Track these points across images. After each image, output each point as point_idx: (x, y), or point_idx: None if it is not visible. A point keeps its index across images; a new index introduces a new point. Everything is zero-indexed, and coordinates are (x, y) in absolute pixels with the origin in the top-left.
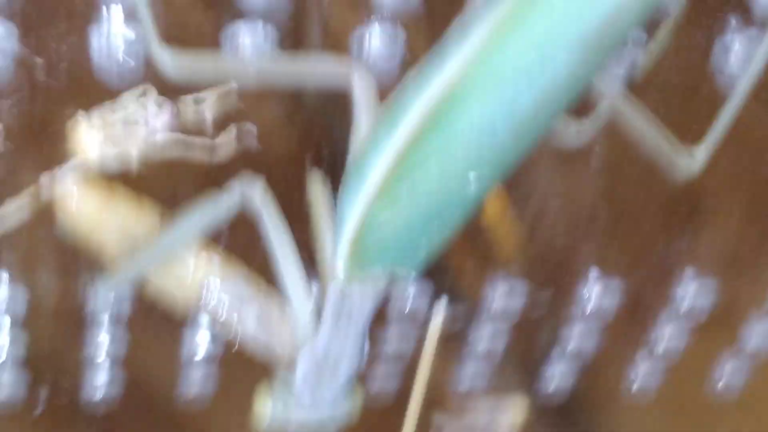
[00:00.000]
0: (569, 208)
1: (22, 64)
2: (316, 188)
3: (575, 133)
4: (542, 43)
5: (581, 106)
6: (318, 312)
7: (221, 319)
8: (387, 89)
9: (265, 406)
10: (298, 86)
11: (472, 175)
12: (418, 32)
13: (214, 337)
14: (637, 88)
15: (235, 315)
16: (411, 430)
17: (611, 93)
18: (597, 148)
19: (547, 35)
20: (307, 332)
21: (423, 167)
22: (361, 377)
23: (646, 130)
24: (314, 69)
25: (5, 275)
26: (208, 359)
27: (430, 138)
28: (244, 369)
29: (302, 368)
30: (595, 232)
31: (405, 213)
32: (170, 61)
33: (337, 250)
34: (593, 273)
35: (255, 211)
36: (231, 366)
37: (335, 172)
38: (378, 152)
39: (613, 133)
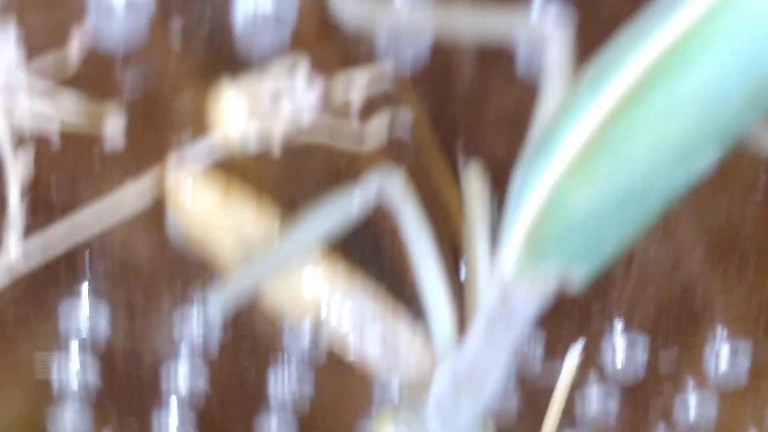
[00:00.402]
0: (702, 254)
1: (160, 26)
2: (472, 181)
3: None
4: None
5: None
6: (459, 323)
7: (342, 338)
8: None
9: None
10: (478, 38)
11: (691, 153)
12: None
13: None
14: None
15: (358, 334)
16: None
17: None
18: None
19: None
20: (448, 345)
21: (631, 140)
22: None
23: None
24: (498, 21)
25: (87, 288)
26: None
27: (645, 103)
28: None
29: (439, 387)
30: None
31: (601, 195)
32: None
33: (503, 242)
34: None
35: (393, 206)
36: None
37: (492, 167)
38: (575, 120)
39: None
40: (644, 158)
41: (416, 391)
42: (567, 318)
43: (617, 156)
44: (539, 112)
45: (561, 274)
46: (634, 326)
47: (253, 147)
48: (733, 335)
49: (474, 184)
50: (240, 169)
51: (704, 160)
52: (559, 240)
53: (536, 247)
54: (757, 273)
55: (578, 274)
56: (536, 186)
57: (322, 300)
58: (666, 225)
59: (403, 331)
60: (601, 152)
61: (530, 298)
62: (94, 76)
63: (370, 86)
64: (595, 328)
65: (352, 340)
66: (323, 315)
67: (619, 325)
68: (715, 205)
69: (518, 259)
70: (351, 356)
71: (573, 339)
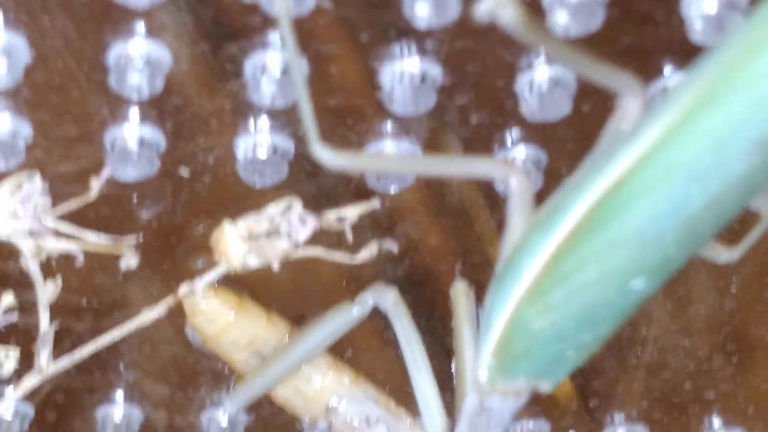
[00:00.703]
0: (695, 347)
1: (168, 174)
2: (460, 298)
3: (725, 252)
4: (719, 145)
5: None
6: (452, 427)
7: None
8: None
9: None
10: (451, 180)
11: (634, 281)
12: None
13: None
14: None
15: None
16: None
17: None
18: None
19: (725, 137)
20: None
21: (581, 271)
22: None
23: None
24: (472, 167)
25: (121, 395)
26: None
27: (591, 240)
28: None
29: None
30: (719, 375)
31: (558, 320)
32: (330, 157)
33: (479, 355)
34: (715, 421)
35: (389, 319)
36: None
37: (479, 284)
38: (532, 255)
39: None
40: (594, 286)
41: None
42: (567, 411)
43: (570, 285)
44: (504, 243)
45: (529, 386)
46: (633, 417)
47: (252, 277)
48: (727, 424)
49: (461, 299)
50: (250, 285)
51: (647, 286)
52: (524, 358)
53: (505, 363)
54: (749, 364)
55: (544, 386)
56: (502, 311)
57: (329, 402)
58: (656, 319)
59: (405, 429)
60: (556, 282)
61: (504, 406)
62: (112, 216)
63: (360, 218)
64: (596, 420)
65: None
66: (331, 417)
67: (618, 417)
68: (704, 297)
69: (490, 373)
70: None
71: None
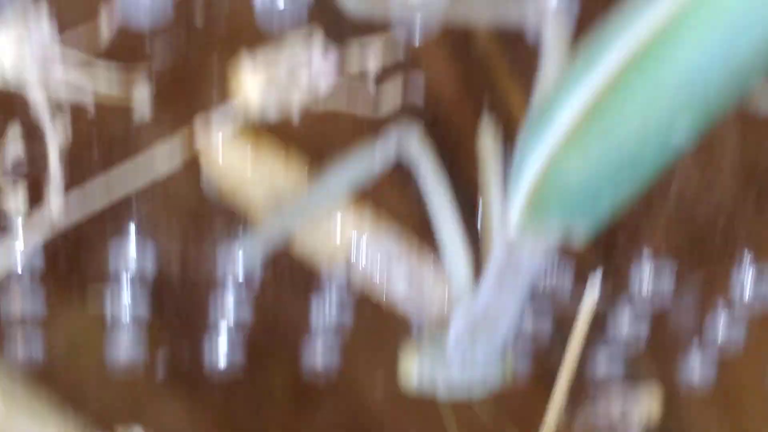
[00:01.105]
0: (729, 181)
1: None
2: (487, 137)
3: None
4: None
5: None
6: (475, 268)
7: (370, 278)
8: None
9: (413, 367)
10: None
11: (675, 131)
12: None
13: (343, 306)
14: None
15: (385, 274)
16: (556, 414)
17: None
18: None
19: None
20: (464, 289)
21: (621, 113)
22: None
23: None
24: (504, 4)
25: (134, 229)
26: (338, 327)
27: (633, 80)
28: (372, 336)
29: (457, 327)
30: (754, 209)
31: (595, 162)
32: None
33: (510, 200)
34: (746, 256)
35: (412, 159)
36: (361, 334)
37: (506, 124)
38: (570, 95)
39: None
40: (633, 131)
41: (439, 328)
42: (594, 246)
43: (609, 129)
44: (539, 83)
45: (562, 232)
46: (662, 253)
47: (272, 116)
48: (758, 261)
49: (489, 141)
50: (268, 129)
51: (687, 133)
52: (558, 202)
53: (538, 208)
54: None
55: (578, 232)
56: (536, 153)
57: (350, 244)
58: (694, 153)
59: (427, 271)
60: (594, 125)
61: (535, 253)
62: (123, 49)
63: (384, 54)
64: (624, 255)
65: (379, 280)
66: (352, 258)
67: (647, 252)
68: (743, 135)
69: (522, 219)
70: (380, 295)
71: (601, 266)
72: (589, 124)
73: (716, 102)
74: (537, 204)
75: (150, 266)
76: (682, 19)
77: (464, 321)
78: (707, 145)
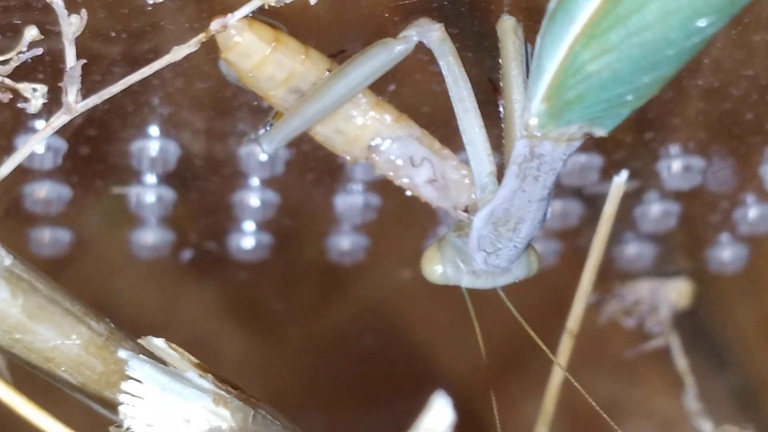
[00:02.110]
0: (758, 77)
1: None
2: (507, 34)
3: None
4: None
5: None
6: (499, 170)
7: (392, 181)
8: None
9: (435, 270)
10: None
11: (699, 19)
12: None
13: (367, 201)
14: None
15: (407, 177)
16: (582, 303)
17: None
18: None
19: None
20: (487, 192)
21: (641, 11)
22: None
23: None
24: None
25: (158, 130)
26: (359, 221)
27: None
28: (395, 232)
29: (478, 230)
30: None
31: (615, 62)
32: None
33: (530, 101)
34: None
35: (434, 51)
36: (382, 227)
37: (529, 20)
38: None
39: None
40: (655, 25)
41: (462, 227)
42: (621, 144)
43: (629, 24)
44: None
45: (583, 131)
46: (690, 149)
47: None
48: None
49: (509, 36)
50: (288, 18)
51: (713, 25)
52: (578, 102)
53: (557, 109)
54: None
55: (599, 131)
56: (554, 53)
57: (371, 141)
58: (717, 46)
59: (450, 169)
60: (613, 21)
61: (556, 153)
62: None
63: None
64: (651, 150)
65: (402, 179)
66: (373, 156)
67: (674, 149)
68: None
69: (541, 119)
70: (405, 191)
71: (628, 162)
72: (607, 18)
73: None
74: (556, 105)
75: (174, 152)
76: None
77: (485, 224)
78: (742, 31)
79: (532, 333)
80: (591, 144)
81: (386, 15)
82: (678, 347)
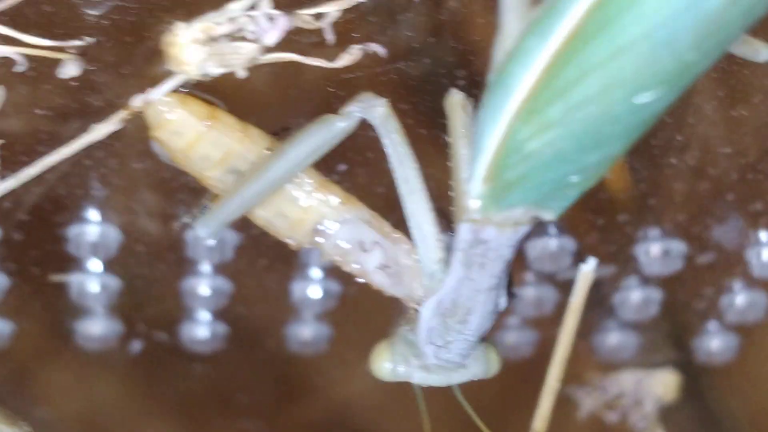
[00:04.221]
0: (738, 153)
1: None
2: (455, 111)
3: (765, 49)
4: None
5: None
6: (450, 257)
7: (341, 267)
8: None
9: (383, 366)
10: None
11: (643, 94)
12: None
13: (325, 289)
14: None
15: (356, 263)
16: (549, 401)
17: None
18: None
19: None
20: (435, 280)
21: (582, 83)
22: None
23: None
24: None
25: (95, 213)
26: (319, 310)
27: (593, 48)
28: (358, 319)
29: (426, 321)
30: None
31: (557, 139)
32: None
33: (471, 182)
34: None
35: (377, 129)
36: (344, 315)
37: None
38: (525, 64)
39: None
40: (597, 100)
41: (414, 318)
42: (596, 227)
43: (570, 99)
44: (496, 49)
45: (530, 215)
46: (669, 232)
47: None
48: None
49: (457, 112)
50: (224, 92)
51: (660, 99)
52: (520, 184)
53: (498, 193)
54: None
55: (547, 215)
56: (493, 130)
57: (316, 225)
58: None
59: (403, 254)
60: (553, 96)
61: (502, 239)
62: (55, 20)
63: (345, 14)
64: (626, 234)
65: (352, 265)
66: (319, 241)
67: (654, 232)
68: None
69: (483, 202)
70: (357, 278)
71: (605, 246)
72: (547, 92)
73: (687, 61)
74: (498, 187)
75: (115, 237)
76: None
77: (433, 316)
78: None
79: None
80: (562, 227)
81: (331, 89)
82: None
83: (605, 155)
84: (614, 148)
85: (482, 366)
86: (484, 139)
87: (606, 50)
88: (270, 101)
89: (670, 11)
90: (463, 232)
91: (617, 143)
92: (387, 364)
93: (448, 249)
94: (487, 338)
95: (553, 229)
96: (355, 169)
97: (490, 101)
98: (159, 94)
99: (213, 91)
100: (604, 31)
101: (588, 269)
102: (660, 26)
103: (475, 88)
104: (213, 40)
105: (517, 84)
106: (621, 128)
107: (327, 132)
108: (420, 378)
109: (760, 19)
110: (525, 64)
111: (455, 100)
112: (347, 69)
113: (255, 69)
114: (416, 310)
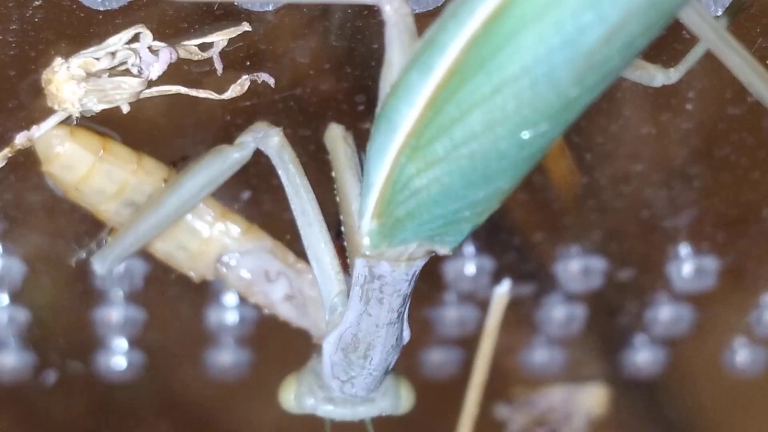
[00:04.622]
0: (649, 171)
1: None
2: (337, 145)
3: (660, 74)
4: None
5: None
6: (349, 290)
7: (247, 299)
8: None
9: (288, 398)
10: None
11: (527, 129)
12: None
13: (241, 315)
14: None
15: (261, 294)
16: (469, 426)
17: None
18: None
19: None
20: (336, 314)
21: (464, 120)
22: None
23: (750, 68)
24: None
25: None
26: (235, 336)
27: (473, 84)
28: (278, 342)
29: (329, 356)
30: (681, 200)
31: (443, 176)
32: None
33: (361, 218)
34: (684, 249)
35: (272, 160)
36: (262, 342)
37: (363, 127)
38: (409, 100)
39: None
40: (480, 137)
41: (319, 351)
42: (513, 246)
43: (453, 136)
44: (381, 84)
45: (423, 250)
46: (587, 249)
47: (100, 125)
48: (697, 252)
49: (339, 147)
50: (117, 124)
51: (546, 133)
52: (410, 220)
53: (388, 226)
54: (714, 187)
55: (442, 249)
56: (380, 166)
57: (219, 257)
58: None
59: (308, 285)
60: (436, 133)
61: (397, 274)
62: None
63: (232, 44)
64: (543, 252)
65: (258, 296)
66: (222, 273)
67: (573, 249)
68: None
69: (373, 238)
70: (263, 309)
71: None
72: (430, 129)
73: (570, 96)
74: (387, 225)
75: (18, 269)
76: (515, 3)
77: (335, 351)
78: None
79: None
80: (481, 246)
81: (227, 118)
82: None
83: (494, 190)
84: (503, 183)
85: (391, 401)
86: (372, 175)
87: (487, 87)
88: (165, 130)
89: (545, 48)
90: (358, 267)
91: (506, 178)
92: (292, 396)
93: (349, 282)
94: (397, 371)
95: (470, 250)
96: (260, 195)
97: (377, 136)
98: (41, 130)
99: (106, 122)
100: (484, 67)
101: (502, 291)
102: (538, 63)
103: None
104: (93, 75)
105: (401, 120)
106: (508, 163)
107: (222, 163)
108: (325, 411)
109: (640, 53)
110: (408, 100)
111: (335, 134)
112: (244, 96)
113: (148, 98)
114: (320, 344)
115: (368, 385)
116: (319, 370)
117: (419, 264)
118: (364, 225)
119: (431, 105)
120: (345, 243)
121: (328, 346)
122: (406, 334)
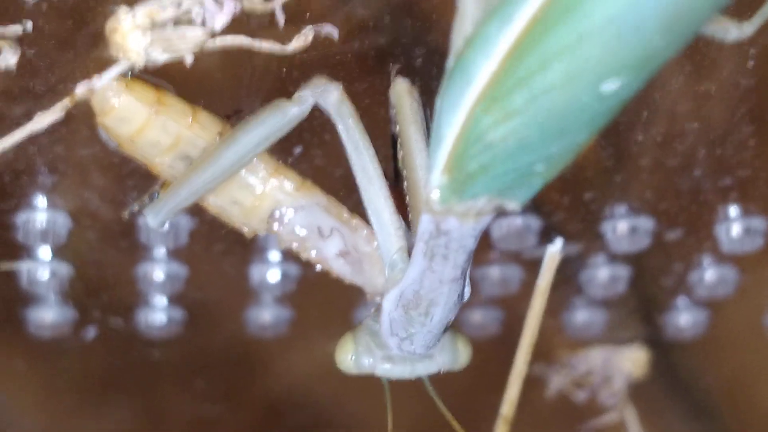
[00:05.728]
0: (705, 130)
1: None
2: (402, 99)
3: (734, 28)
4: None
5: None
6: (411, 247)
7: (299, 255)
8: None
9: (346, 358)
10: None
11: (608, 82)
12: None
13: (284, 272)
14: None
15: (315, 249)
16: (517, 385)
17: None
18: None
19: None
20: (396, 270)
21: (545, 71)
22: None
23: None
24: None
25: (43, 200)
26: (277, 294)
27: (556, 34)
28: (318, 302)
29: (388, 313)
30: (735, 160)
31: (520, 128)
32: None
33: (430, 172)
34: (734, 210)
35: (331, 115)
36: (304, 298)
37: (429, 81)
38: (486, 51)
39: None
40: (561, 88)
41: (376, 312)
42: (561, 205)
43: (533, 87)
44: (454, 35)
45: (493, 205)
46: (636, 208)
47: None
48: (747, 213)
49: (404, 101)
50: (173, 77)
51: (627, 86)
52: (482, 174)
53: (460, 181)
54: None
55: (511, 205)
56: (453, 119)
57: (272, 212)
58: (660, 99)
59: (362, 241)
60: (515, 84)
61: (464, 230)
62: None
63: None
64: (592, 212)
65: (310, 252)
66: (275, 228)
67: (621, 209)
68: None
69: (443, 192)
70: (315, 265)
71: (571, 224)
72: (509, 80)
73: (654, 47)
74: (459, 178)
75: (64, 224)
76: None
77: (395, 308)
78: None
79: (457, 426)
80: (527, 205)
81: (284, 70)
82: (634, 421)
83: (570, 144)
84: (579, 137)
85: (449, 357)
86: (444, 128)
87: (571, 36)
88: (221, 84)
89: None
90: (424, 223)
91: (583, 132)
92: (350, 356)
93: (409, 238)
94: (454, 326)
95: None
96: (312, 151)
97: (450, 89)
98: (103, 81)
99: (161, 75)
100: (568, 16)
101: (555, 250)
102: (626, 11)
103: (434, 66)
104: (158, 25)
105: (477, 72)
106: (586, 116)
107: (279, 118)
108: (384, 370)
109: (729, 2)
110: (485, 52)
111: (401, 88)
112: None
113: (204, 51)
114: (378, 301)
115: (427, 342)
116: (375, 329)
117: (486, 220)
118: (433, 180)
119: (510, 57)
120: (406, 198)
121: (388, 303)
122: (467, 291)
